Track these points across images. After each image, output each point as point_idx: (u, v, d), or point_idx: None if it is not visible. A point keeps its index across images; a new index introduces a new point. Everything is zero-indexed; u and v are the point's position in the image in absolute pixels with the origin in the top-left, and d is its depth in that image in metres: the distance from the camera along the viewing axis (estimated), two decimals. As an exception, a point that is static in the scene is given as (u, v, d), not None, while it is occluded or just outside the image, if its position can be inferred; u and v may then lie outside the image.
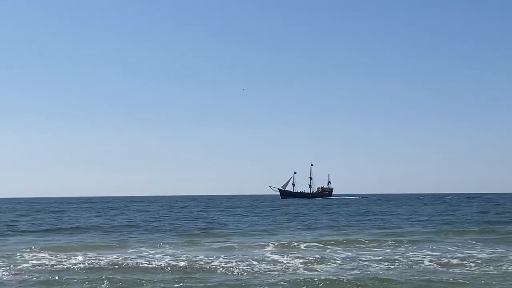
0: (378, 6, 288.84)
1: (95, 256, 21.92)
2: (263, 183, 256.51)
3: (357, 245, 25.61)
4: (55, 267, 19.47)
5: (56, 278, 17.17)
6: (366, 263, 20.11)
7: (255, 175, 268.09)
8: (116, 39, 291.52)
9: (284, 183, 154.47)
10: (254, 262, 20.20)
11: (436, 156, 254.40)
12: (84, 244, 26.70)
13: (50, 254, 22.62)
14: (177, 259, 21.13)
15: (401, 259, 20.99)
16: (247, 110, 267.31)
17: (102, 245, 26.31)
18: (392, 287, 15.81)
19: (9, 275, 17.87)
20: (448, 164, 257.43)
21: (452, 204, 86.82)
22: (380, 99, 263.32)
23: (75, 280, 16.79)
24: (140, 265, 19.74)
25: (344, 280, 16.36)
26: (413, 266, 19.25)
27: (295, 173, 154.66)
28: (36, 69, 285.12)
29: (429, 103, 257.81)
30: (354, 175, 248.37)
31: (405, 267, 19.16)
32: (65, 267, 19.46)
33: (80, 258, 21.48)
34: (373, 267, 19.10)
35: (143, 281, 16.64)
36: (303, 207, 77.68)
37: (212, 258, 21.24)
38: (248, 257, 21.70)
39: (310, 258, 21.09)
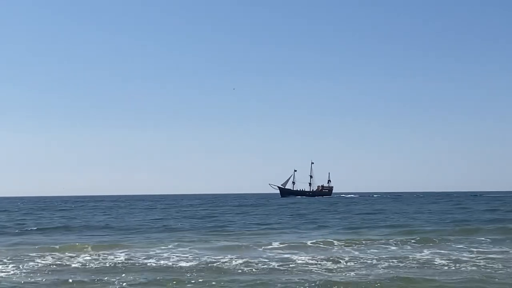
0: (378, 2, 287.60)
1: (105, 255, 21.73)
2: (263, 181, 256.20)
3: (368, 243, 25.39)
4: (65, 266, 19.30)
5: (67, 278, 16.96)
6: (379, 262, 19.82)
7: (255, 174, 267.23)
8: (116, 39, 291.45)
9: (284, 181, 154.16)
10: (267, 261, 19.93)
11: (438, 154, 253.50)
12: (94, 243, 26.52)
13: (60, 253, 22.43)
14: (188, 258, 20.91)
15: (416, 257, 20.71)
16: (247, 109, 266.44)
17: (112, 244, 26.11)
18: (413, 286, 15.54)
19: (20, 275, 17.65)
20: (450, 163, 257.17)
21: (459, 202, 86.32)
22: (381, 97, 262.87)
23: (86, 280, 16.59)
24: (151, 265, 19.53)
25: (360, 281, 16.12)
26: (424, 265, 18.99)
27: (295, 171, 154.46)
28: (36, 69, 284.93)
29: (430, 101, 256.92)
30: (354, 173, 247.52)
31: (422, 267, 18.89)
32: (75, 266, 19.28)
33: (90, 257, 21.33)
34: (383, 266, 18.81)
35: (156, 280, 16.43)
36: (310, 206, 77.44)
37: (224, 257, 20.98)
38: (260, 256, 21.46)
39: (324, 257, 20.81)
